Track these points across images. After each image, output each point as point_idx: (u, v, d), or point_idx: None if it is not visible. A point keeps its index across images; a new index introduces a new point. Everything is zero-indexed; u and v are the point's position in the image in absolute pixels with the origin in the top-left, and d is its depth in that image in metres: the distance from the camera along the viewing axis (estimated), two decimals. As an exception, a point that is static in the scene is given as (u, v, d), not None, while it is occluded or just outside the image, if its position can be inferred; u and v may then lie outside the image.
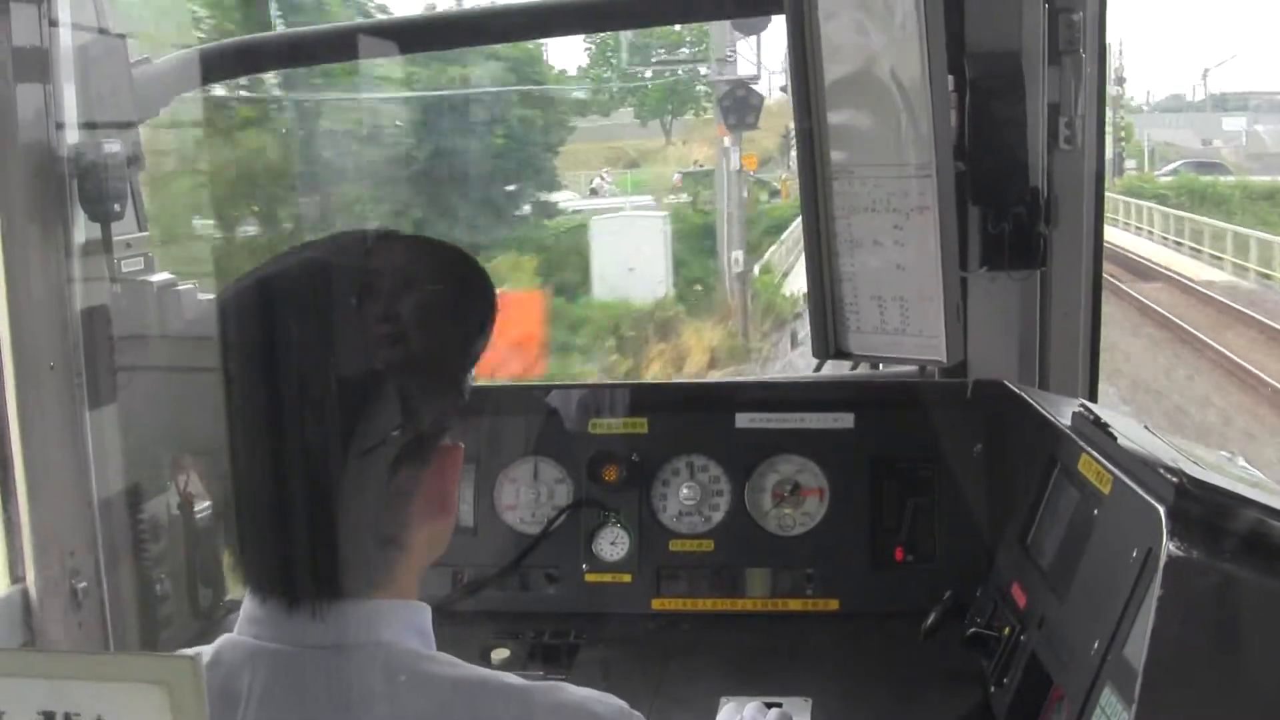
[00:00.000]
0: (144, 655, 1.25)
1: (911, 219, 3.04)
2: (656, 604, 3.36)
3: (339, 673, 1.74)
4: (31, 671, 1.19)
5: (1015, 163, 3.24)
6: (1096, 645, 2.30)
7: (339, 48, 3.77)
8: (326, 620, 1.76)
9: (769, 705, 2.73)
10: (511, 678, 1.82)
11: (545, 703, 1.78)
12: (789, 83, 3.18)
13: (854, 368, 3.67)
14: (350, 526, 1.78)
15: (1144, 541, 2.23)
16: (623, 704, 1.84)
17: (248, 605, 1.82)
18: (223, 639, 1.84)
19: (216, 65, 3.39)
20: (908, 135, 2.99)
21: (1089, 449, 2.66)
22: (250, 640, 1.79)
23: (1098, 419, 2.67)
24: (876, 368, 3.64)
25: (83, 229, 2.96)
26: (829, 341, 3.26)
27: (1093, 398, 3.56)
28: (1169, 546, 2.12)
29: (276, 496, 1.77)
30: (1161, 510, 2.19)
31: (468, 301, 1.91)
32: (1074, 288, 3.47)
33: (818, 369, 3.67)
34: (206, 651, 1.83)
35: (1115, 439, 2.56)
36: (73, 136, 2.92)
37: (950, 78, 3.14)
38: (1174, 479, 2.20)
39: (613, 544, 3.39)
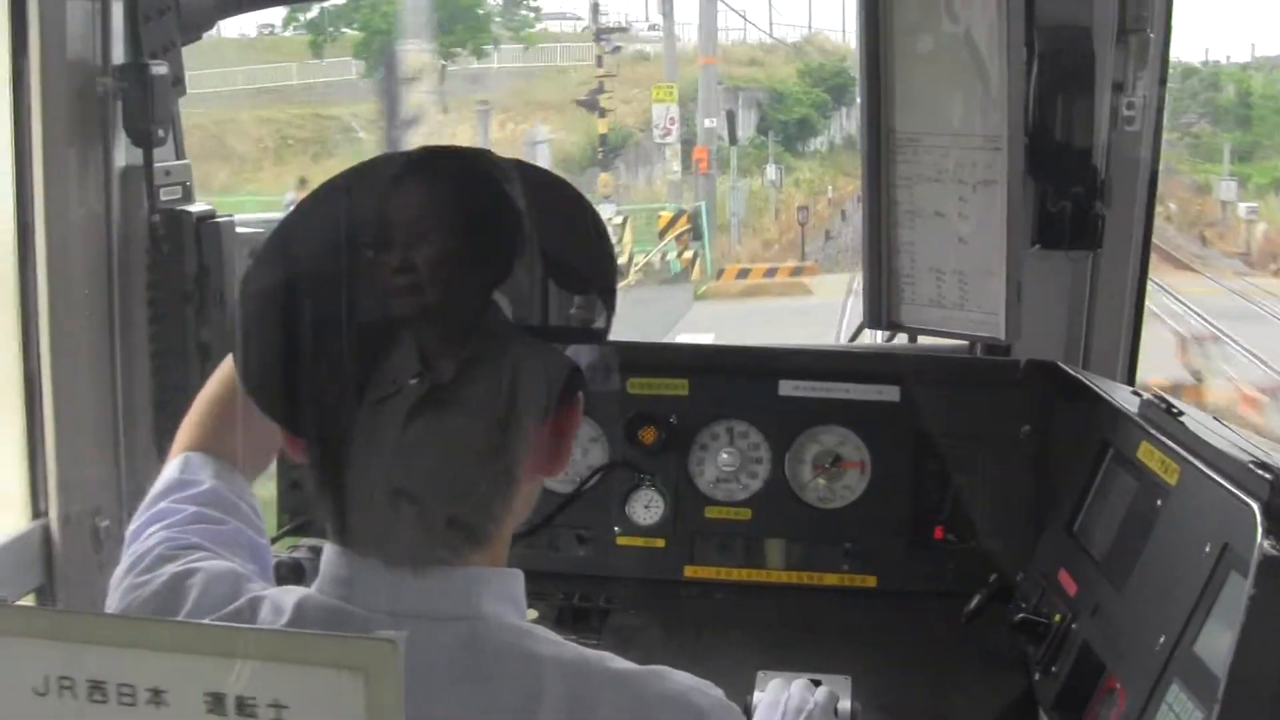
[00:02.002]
0: (333, 637, 1.12)
1: (977, 192, 2.97)
2: (689, 571, 3.28)
3: (438, 647, 1.64)
4: (195, 648, 1.07)
5: (1079, 140, 3.18)
6: (1163, 640, 2.25)
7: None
8: (425, 587, 1.67)
9: (813, 682, 2.67)
10: (614, 660, 1.73)
11: (652, 691, 1.70)
12: (859, 43, 3.09)
13: (890, 339, 3.60)
14: (460, 481, 1.69)
15: (1220, 536, 2.18)
16: (722, 695, 1.76)
17: (333, 563, 1.72)
18: (301, 597, 1.73)
19: (260, -9, 3.28)
20: (978, 107, 2.93)
21: (1155, 436, 2.60)
22: (336, 603, 1.69)
23: (1169, 406, 2.62)
24: (915, 341, 3.57)
25: (124, 153, 2.85)
26: (883, 311, 3.19)
27: (1131, 382, 3.52)
28: (1265, 545, 2.07)
29: (376, 446, 1.66)
30: (1256, 507, 2.14)
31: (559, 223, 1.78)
32: (1123, 270, 3.43)
33: (853, 339, 3.60)
34: (279, 606, 1.73)
35: (1187, 428, 2.50)
36: (118, 56, 2.81)
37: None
38: (1268, 475, 2.15)
39: (647, 507, 3.30)
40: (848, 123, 45.54)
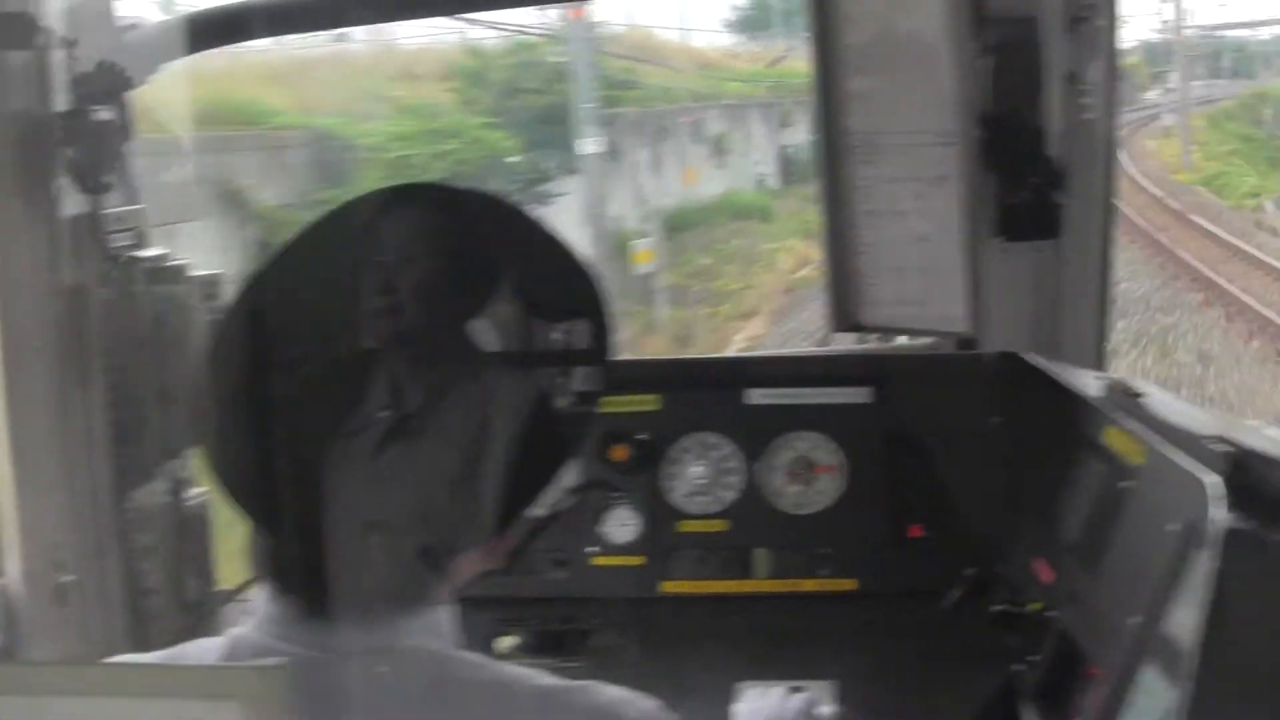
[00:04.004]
0: (218, 668, 1.11)
1: (934, 188, 2.97)
2: (667, 587, 3.26)
3: (365, 680, 1.67)
4: (80, 687, 1.05)
5: (1033, 131, 3.17)
6: (1134, 621, 2.24)
7: (328, 14, 3.64)
8: (356, 626, 1.68)
9: (792, 690, 2.65)
10: (542, 678, 1.74)
11: (577, 705, 1.71)
12: (810, 44, 3.08)
13: (859, 341, 3.59)
14: (387, 529, 1.70)
15: (1185, 514, 2.16)
16: (655, 706, 1.77)
17: (268, 604, 1.73)
18: (234, 636, 1.76)
19: (204, 31, 3.26)
20: (930, 103, 2.93)
21: (1117, 420, 2.59)
22: (271, 641, 1.70)
23: (1129, 388, 2.60)
24: (885, 341, 3.56)
25: (72, 203, 2.83)
26: (846, 313, 3.18)
27: (1102, 368, 3.51)
28: (1225, 518, 2.05)
29: (307, 496, 1.67)
30: (1214, 482, 2.12)
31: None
32: (1086, 258, 3.42)
33: (821, 343, 3.59)
34: (213, 648, 1.75)
35: (1149, 409, 2.49)
36: (61, 104, 2.80)
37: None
38: (1228, 448, 2.13)
39: (622, 526, 3.29)
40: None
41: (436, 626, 1.76)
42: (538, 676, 1.75)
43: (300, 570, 1.70)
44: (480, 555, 1.82)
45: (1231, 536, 2.04)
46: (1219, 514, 2.07)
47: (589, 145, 21.39)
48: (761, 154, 31.97)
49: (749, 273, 25.14)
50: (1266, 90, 43.54)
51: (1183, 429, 2.35)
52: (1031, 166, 3.18)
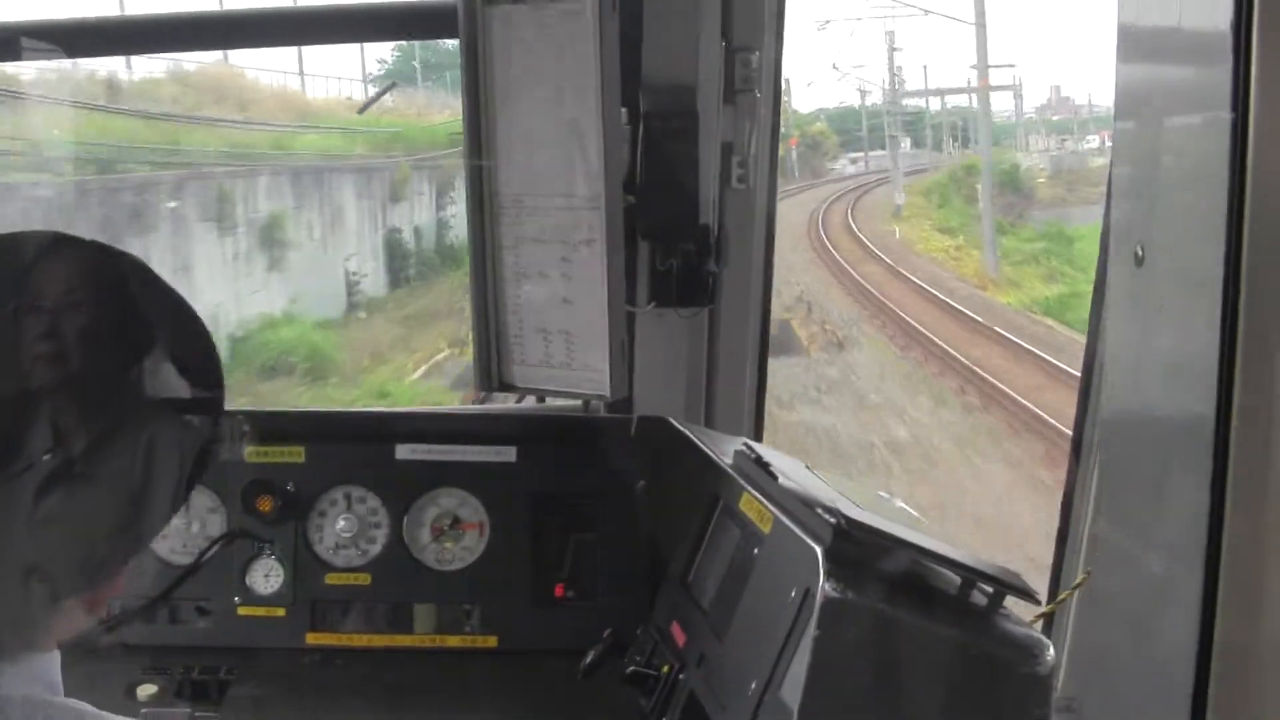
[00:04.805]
0: None
1: (580, 251, 3.00)
2: (311, 638, 3.23)
3: None
4: None
5: (686, 199, 3.24)
6: (754, 685, 2.30)
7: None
8: None
9: None
10: None
11: None
12: (463, 108, 3.08)
13: (519, 400, 3.60)
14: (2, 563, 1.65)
15: (802, 581, 2.23)
16: None
17: None
18: None
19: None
20: (579, 167, 2.96)
21: (749, 488, 2.66)
22: None
23: (759, 457, 2.68)
24: (543, 401, 3.58)
25: None
26: (493, 373, 3.19)
27: (758, 436, 3.59)
28: (825, 587, 2.12)
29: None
30: (819, 550, 2.19)
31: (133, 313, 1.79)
32: (741, 326, 3.50)
33: (482, 401, 3.59)
34: None
35: (775, 478, 2.56)
36: None
37: (624, 111, 3.11)
38: (831, 519, 2.21)
39: (266, 576, 3.26)
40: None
41: (43, 674, 1.72)
42: None
43: None
44: (88, 602, 1.79)
45: (828, 605, 2.10)
46: (823, 583, 2.14)
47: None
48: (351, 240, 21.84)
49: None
50: (972, 162, 43.79)
51: (800, 497, 2.42)
52: (684, 234, 3.25)
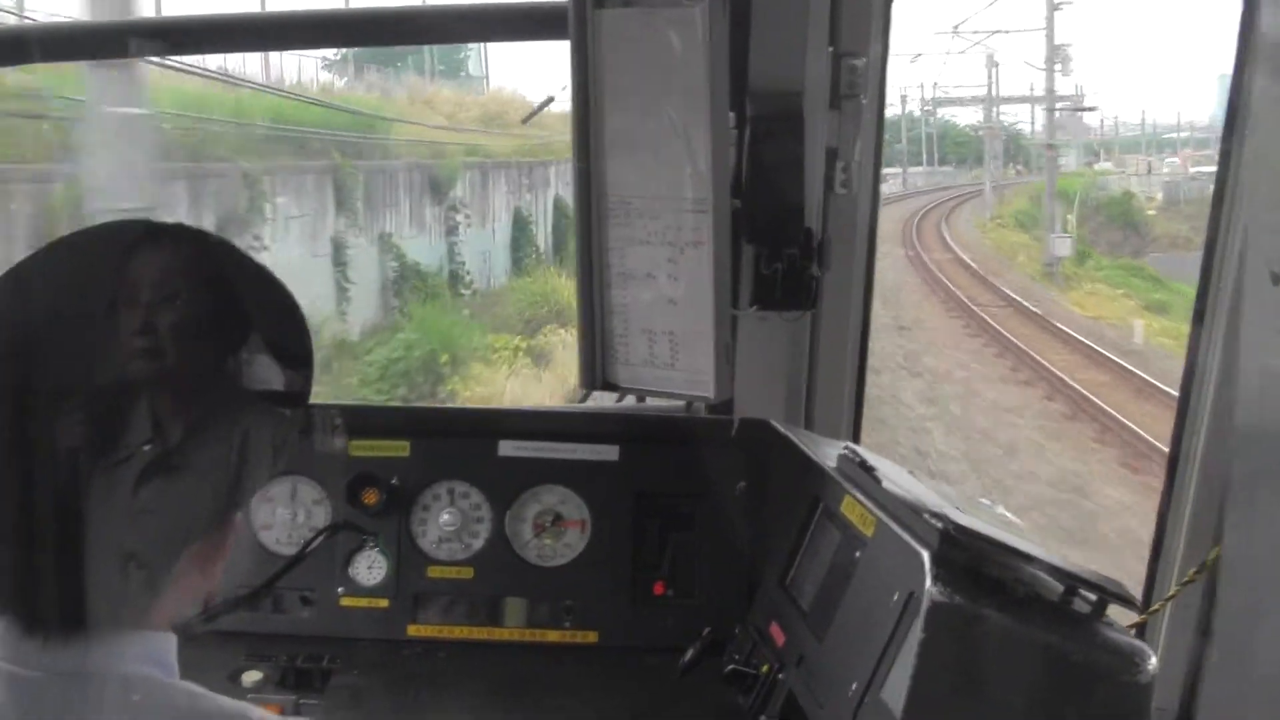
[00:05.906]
0: None
1: (686, 254, 3.02)
2: (413, 630, 3.27)
3: (72, 702, 1.66)
4: None
5: (791, 204, 3.25)
6: (855, 686, 2.32)
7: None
8: (65, 647, 1.67)
9: None
10: (253, 710, 1.77)
11: None
12: (571, 110, 3.12)
13: (620, 400, 3.64)
14: (100, 548, 1.67)
15: (906, 585, 2.24)
16: None
17: None
18: None
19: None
20: (686, 170, 2.98)
21: (853, 491, 2.68)
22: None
23: (863, 461, 2.69)
24: (643, 401, 3.61)
25: None
26: (596, 372, 3.22)
27: (856, 440, 3.60)
28: (932, 590, 2.14)
29: (20, 508, 1.66)
30: (925, 555, 2.21)
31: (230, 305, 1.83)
32: (842, 331, 3.51)
33: (583, 400, 3.63)
34: None
35: (880, 482, 2.58)
36: None
37: (731, 115, 3.13)
38: (939, 524, 2.22)
39: (370, 568, 3.31)
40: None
41: (158, 655, 1.76)
42: (251, 709, 1.77)
43: (10, 585, 1.69)
44: (191, 587, 1.82)
45: (935, 609, 2.12)
46: (930, 587, 2.16)
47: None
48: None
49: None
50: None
51: (905, 502, 2.44)
52: (788, 238, 3.26)
